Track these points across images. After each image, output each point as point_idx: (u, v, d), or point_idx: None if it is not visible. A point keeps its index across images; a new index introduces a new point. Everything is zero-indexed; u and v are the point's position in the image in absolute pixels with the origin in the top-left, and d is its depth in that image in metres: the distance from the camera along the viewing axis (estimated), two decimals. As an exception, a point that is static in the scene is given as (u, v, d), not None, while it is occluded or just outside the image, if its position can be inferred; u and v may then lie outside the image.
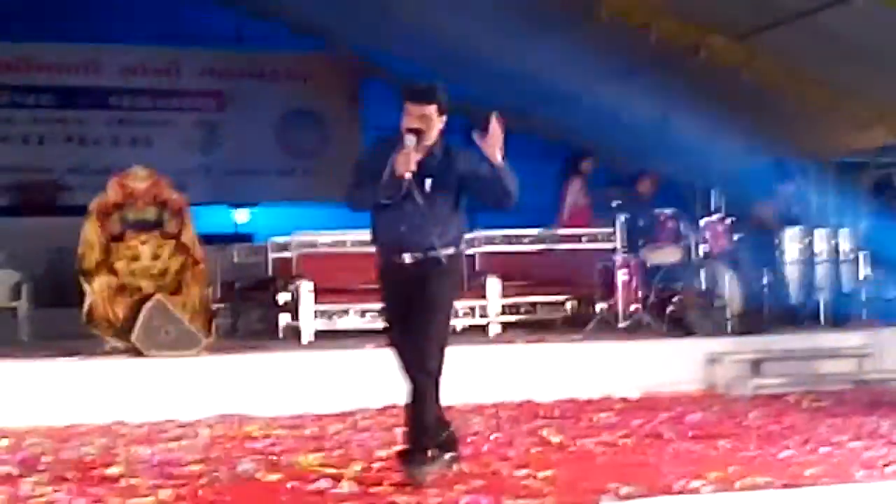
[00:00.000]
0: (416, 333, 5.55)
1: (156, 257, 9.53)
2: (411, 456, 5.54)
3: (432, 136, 5.63)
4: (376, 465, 6.00)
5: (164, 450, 6.68)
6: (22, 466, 6.16)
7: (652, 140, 13.37)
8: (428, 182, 5.60)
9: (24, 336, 11.18)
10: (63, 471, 6.02)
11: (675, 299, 10.14)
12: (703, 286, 10.08)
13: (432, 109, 5.60)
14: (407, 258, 5.63)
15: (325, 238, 10.77)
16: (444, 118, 5.67)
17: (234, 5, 16.16)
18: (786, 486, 5.33)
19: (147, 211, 9.62)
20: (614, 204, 10.73)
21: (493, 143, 5.54)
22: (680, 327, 9.96)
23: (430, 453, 5.55)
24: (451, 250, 5.68)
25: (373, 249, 10.42)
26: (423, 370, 5.51)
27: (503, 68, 14.15)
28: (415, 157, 5.52)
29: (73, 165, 15.91)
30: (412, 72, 16.39)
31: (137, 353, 8.83)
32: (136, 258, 9.49)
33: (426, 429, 5.56)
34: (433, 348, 5.53)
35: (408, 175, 5.52)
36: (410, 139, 5.53)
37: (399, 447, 5.73)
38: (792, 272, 10.99)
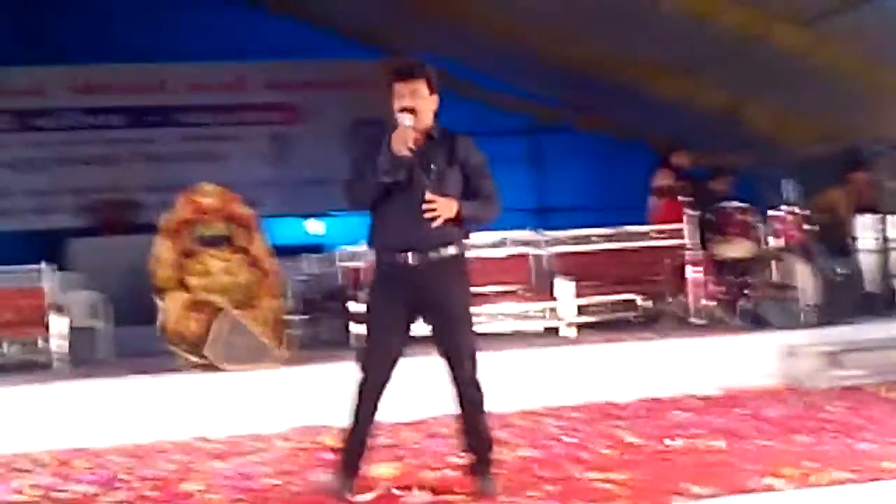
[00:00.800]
0: (451, 347, 5.40)
1: (227, 272, 9.61)
2: (479, 468, 5.51)
3: (427, 116, 5.36)
4: (450, 473, 5.99)
5: (242, 464, 6.74)
6: (103, 485, 6.26)
7: (721, 132, 13.26)
8: (433, 167, 5.30)
9: (103, 355, 11.34)
10: (142, 489, 6.10)
11: (748, 293, 10.04)
12: (777, 278, 9.96)
13: (422, 85, 5.34)
14: (413, 258, 5.32)
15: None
16: (436, 98, 5.41)
17: (298, 18, 16.30)
18: (864, 480, 5.25)
19: (217, 226, 9.71)
20: (681, 199, 10.64)
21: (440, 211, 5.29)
22: (755, 321, 9.84)
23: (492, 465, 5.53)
24: (462, 247, 5.43)
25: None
26: (471, 384, 5.44)
27: (567, 66, 14.13)
28: (412, 135, 5.26)
29: (147, 184, 16.13)
30: (474, 75, 16.47)
31: (213, 367, 8.92)
32: (207, 273, 9.58)
33: (488, 440, 5.53)
34: (472, 360, 5.43)
35: (407, 152, 5.23)
36: (405, 118, 5.26)
37: (466, 460, 5.66)
38: (867, 260, 10.84)
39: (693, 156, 11.96)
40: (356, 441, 5.48)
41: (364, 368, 5.42)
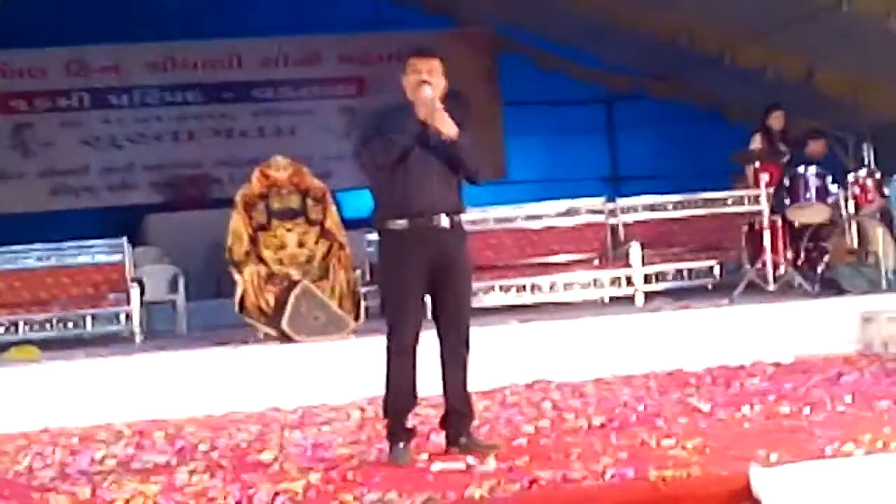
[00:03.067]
0: (458, 309, 5.69)
1: (301, 244, 9.71)
2: (467, 428, 5.81)
3: (438, 92, 5.65)
4: (522, 441, 6.00)
5: (316, 433, 6.79)
6: (179, 455, 6.34)
7: (796, 97, 13.06)
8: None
9: (181, 328, 11.51)
10: (218, 458, 6.17)
11: (825, 258, 9.90)
12: (854, 243, 9.82)
13: (438, 64, 5.70)
14: (444, 221, 5.62)
15: (465, 217, 10.75)
16: (444, 83, 5.71)
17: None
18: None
19: (290, 199, 9.81)
20: (757, 164, 10.51)
21: (439, 121, 5.59)
22: (832, 287, 9.71)
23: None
24: (462, 215, 5.79)
25: (519, 224, 10.43)
26: (466, 346, 5.76)
27: (641, 34, 14.00)
28: (436, 103, 5.56)
29: (222, 159, 16.30)
30: (547, 43, 16.38)
31: (288, 339, 9.01)
32: (282, 246, 9.69)
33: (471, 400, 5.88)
34: (469, 322, 5.76)
35: (431, 119, 5.54)
36: (427, 90, 5.58)
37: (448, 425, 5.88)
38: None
39: (787, 118, 11.63)
40: (402, 409, 5.72)
41: (396, 335, 5.63)
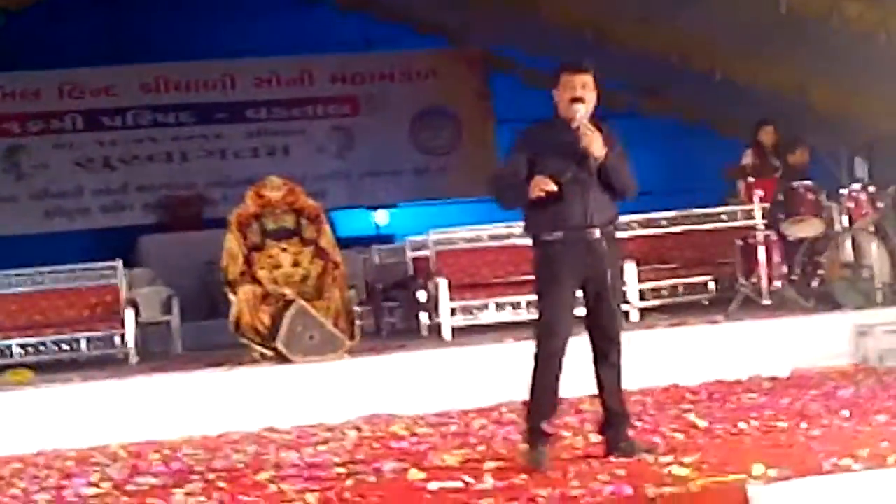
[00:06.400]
0: (611, 314, 5.71)
1: (296, 264, 9.69)
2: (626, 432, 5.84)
3: (591, 107, 5.69)
4: (519, 460, 5.97)
5: (312, 453, 6.78)
6: (176, 477, 6.32)
7: (789, 112, 13.09)
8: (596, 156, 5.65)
9: (176, 349, 11.48)
10: (215, 479, 6.14)
11: (819, 273, 9.90)
12: (849, 257, 9.82)
13: (590, 78, 5.71)
14: (596, 234, 5.65)
15: (461, 234, 10.83)
16: (595, 95, 5.74)
17: (361, 11, 16.34)
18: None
19: (284, 219, 9.80)
20: (750, 179, 10.51)
21: (588, 143, 5.61)
22: (827, 301, 9.71)
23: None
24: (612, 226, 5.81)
25: (513, 241, 10.47)
26: (619, 350, 5.80)
27: (632, 51, 14.01)
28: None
29: (216, 179, 16.28)
30: (539, 61, 16.39)
31: (284, 359, 8.99)
32: (277, 266, 9.67)
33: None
34: (620, 328, 5.83)
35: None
36: (579, 108, 5.61)
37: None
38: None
39: (777, 132, 11.65)
40: (544, 414, 5.76)
41: (547, 341, 5.66)
